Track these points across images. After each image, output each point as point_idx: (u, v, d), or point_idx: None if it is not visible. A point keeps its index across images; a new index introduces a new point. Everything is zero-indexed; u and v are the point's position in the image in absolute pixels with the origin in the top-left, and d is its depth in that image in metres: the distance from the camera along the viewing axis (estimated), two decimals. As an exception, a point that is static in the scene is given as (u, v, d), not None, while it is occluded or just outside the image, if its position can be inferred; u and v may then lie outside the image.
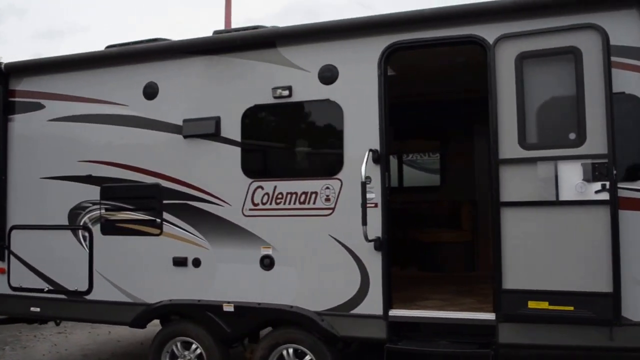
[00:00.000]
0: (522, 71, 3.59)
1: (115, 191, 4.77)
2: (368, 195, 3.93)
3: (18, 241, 5.14)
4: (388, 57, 3.99)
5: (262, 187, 4.28)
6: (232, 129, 4.40)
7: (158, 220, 4.59)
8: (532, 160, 3.53)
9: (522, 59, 3.58)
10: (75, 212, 4.92)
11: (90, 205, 4.86)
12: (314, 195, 4.13)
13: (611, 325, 3.28)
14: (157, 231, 4.60)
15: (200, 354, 4.48)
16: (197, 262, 4.45)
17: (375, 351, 4.13)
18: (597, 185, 3.34)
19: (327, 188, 4.10)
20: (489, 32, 3.73)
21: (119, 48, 4.86)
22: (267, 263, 4.23)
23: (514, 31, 3.63)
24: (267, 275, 4.24)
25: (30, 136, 5.17)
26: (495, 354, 3.60)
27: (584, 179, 3.38)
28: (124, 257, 4.72)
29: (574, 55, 3.46)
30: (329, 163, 4.14)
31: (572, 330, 3.42)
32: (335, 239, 4.06)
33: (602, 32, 3.38)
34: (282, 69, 4.28)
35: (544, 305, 3.42)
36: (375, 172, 3.96)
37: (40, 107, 5.14)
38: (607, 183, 3.31)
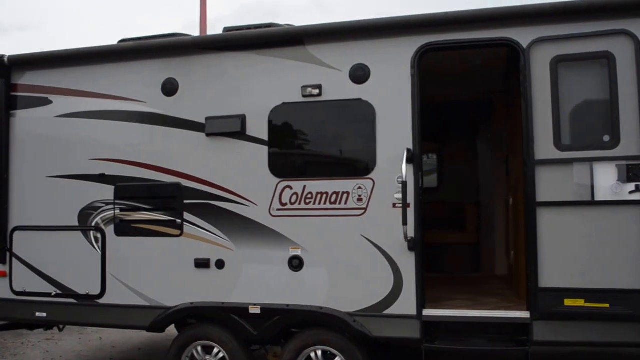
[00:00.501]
0: (557, 74, 3.71)
1: (131, 190, 4.64)
2: (399, 196, 3.97)
3: (22, 243, 4.93)
4: (421, 57, 4.04)
5: (290, 187, 4.26)
6: (258, 127, 4.35)
7: (178, 220, 4.50)
8: (568, 162, 3.65)
9: (558, 63, 3.70)
10: (86, 213, 4.76)
11: (103, 205, 4.72)
12: (345, 195, 4.14)
13: (644, 320, 3.43)
14: (178, 232, 4.50)
15: (223, 358, 4.41)
16: (220, 264, 4.38)
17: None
18: (631, 186, 3.49)
19: (360, 188, 4.11)
20: (523, 36, 3.84)
21: (136, 43, 4.73)
22: (296, 264, 4.21)
23: (549, 35, 3.74)
24: (296, 276, 4.21)
25: (36, 133, 4.98)
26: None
27: (618, 180, 3.52)
28: (141, 259, 4.60)
29: (607, 60, 3.61)
30: (361, 163, 4.15)
31: (607, 327, 3.56)
32: (367, 239, 4.08)
33: (634, 38, 3.54)
34: (311, 67, 4.27)
35: (580, 302, 3.55)
36: (409, 173, 4.01)
37: (46, 102, 4.95)
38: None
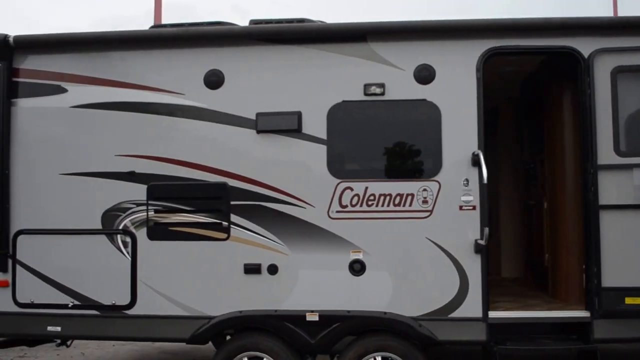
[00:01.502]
0: (617, 84, 3.98)
1: (168, 190, 4.31)
2: (466, 198, 4.07)
3: (28, 248, 4.41)
4: (486, 61, 4.16)
5: (351, 188, 4.19)
6: (315, 125, 4.24)
7: (225, 223, 4.25)
8: (628, 167, 3.93)
9: (618, 73, 3.98)
10: (111, 215, 4.36)
11: (134, 206, 4.34)
12: (410, 197, 4.15)
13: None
14: (224, 235, 4.25)
15: (273, 369, 4.24)
16: (273, 269, 4.21)
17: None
18: (688, 191, 3.84)
19: (425, 190, 4.14)
20: (584, 45, 4.08)
21: (175, 29, 4.40)
22: (357, 268, 4.15)
23: (610, 46, 4.01)
24: (357, 280, 4.15)
25: (45, 124, 4.47)
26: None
27: (677, 185, 3.85)
28: (179, 265, 4.29)
29: (662, 72, 3.94)
30: (426, 165, 4.18)
31: None
32: (432, 241, 4.12)
33: (690, 54, 3.89)
34: (373, 64, 4.23)
35: (638, 300, 3.84)
36: (474, 175, 4.11)
37: (59, 90, 4.46)
38: (696, 189, 3.82)
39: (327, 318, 4.13)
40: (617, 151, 3.97)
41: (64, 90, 4.46)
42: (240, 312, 4.20)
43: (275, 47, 4.32)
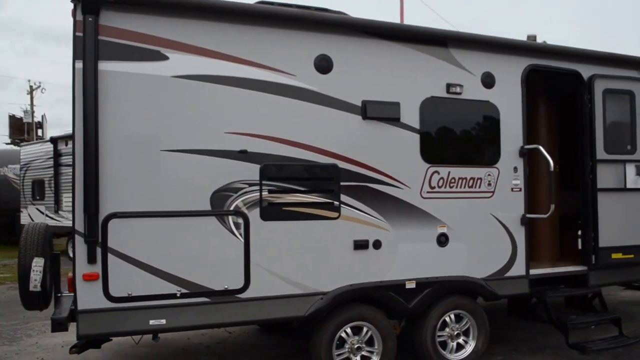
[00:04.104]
0: (606, 101, 5.80)
1: (283, 170, 4.52)
2: (515, 182, 5.40)
3: (123, 234, 4.08)
4: (527, 74, 5.53)
5: (438, 172, 5.09)
6: (411, 115, 5.00)
7: (336, 203, 4.69)
8: (613, 162, 5.78)
9: (606, 93, 5.80)
10: (221, 195, 4.35)
11: (246, 186, 4.43)
12: (479, 181, 5.26)
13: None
14: (335, 214, 4.69)
15: (370, 337, 4.86)
16: (377, 244, 4.83)
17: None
18: (643, 178, 5.87)
19: (489, 175, 5.31)
20: (584, 70, 5.78)
21: (289, 10, 4.59)
22: (442, 240, 5.08)
23: (603, 73, 5.80)
24: (442, 251, 5.08)
25: (141, 94, 4.18)
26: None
27: (636, 174, 5.84)
28: (293, 244, 4.55)
29: (629, 95, 5.90)
30: (490, 154, 5.33)
31: (632, 270, 5.85)
32: (494, 216, 5.31)
33: (645, 84, 5.95)
34: (452, 68, 5.20)
35: (619, 255, 5.72)
36: (520, 163, 5.45)
37: (159, 57, 4.23)
38: (648, 177, 5.88)
39: (421, 285, 4.95)
40: (606, 150, 5.77)
41: (165, 58, 4.24)
42: (351, 285, 4.70)
43: (379, 41, 4.91)
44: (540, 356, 5.64)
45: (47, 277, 4.64)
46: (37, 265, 4.52)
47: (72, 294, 4.75)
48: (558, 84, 6.28)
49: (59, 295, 4.90)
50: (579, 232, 5.82)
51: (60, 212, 13.96)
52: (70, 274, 4.10)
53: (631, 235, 5.81)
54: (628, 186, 5.81)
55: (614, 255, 5.69)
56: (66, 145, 13.36)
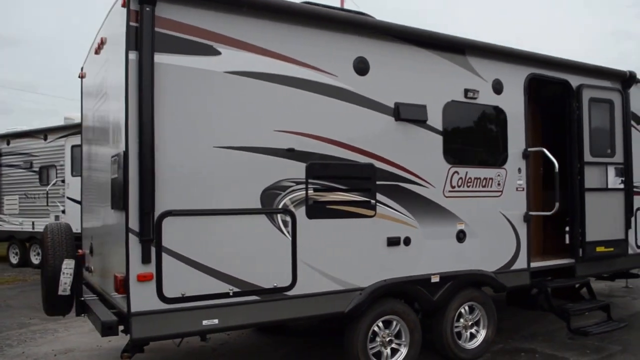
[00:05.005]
0: (591, 109, 6.51)
1: (327, 169, 4.69)
2: (519, 182, 5.94)
3: (176, 233, 4.05)
4: (529, 82, 6.09)
5: (457, 172, 5.49)
6: (435, 118, 5.34)
7: (372, 201, 4.93)
8: (597, 164, 6.50)
9: (591, 102, 6.51)
10: (271, 193, 4.45)
11: (293, 184, 4.55)
12: (490, 181, 5.73)
13: (626, 255, 6.65)
14: (372, 212, 4.93)
15: (399, 330, 5.16)
16: (407, 241, 5.13)
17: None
18: (620, 179, 6.65)
19: (498, 175, 5.79)
20: (573, 80, 6.46)
21: (336, 12, 4.76)
22: (461, 236, 5.49)
23: (589, 83, 6.50)
24: (460, 247, 5.48)
25: (195, 88, 4.17)
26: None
27: (615, 176, 6.62)
28: (335, 241, 4.73)
29: (609, 104, 6.66)
30: (499, 156, 5.81)
31: (611, 262, 6.61)
32: (502, 214, 5.81)
33: (622, 93, 6.73)
34: (468, 74, 5.61)
35: (602, 248, 6.45)
36: (523, 165, 5.99)
37: (212, 51, 4.25)
38: (623, 178, 6.67)
39: (444, 278, 5.32)
40: (591, 153, 6.47)
41: (217, 53, 4.25)
42: (385, 280, 4.97)
43: (409, 46, 5.20)
44: (536, 342, 6.21)
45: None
46: (68, 267, 4.37)
47: (95, 297, 4.65)
48: (542, 90, 6.94)
49: (82, 299, 4.72)
50: (567, 228, 6.47)
51: (0, 215, 12.97)
52: (119, 275, 4.00)
53: (611, 230, 6.56)
54: (609, 186, 6.55)
55: (598, 249, 6.40)
56: (8, 144, 12.40)
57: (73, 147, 13.54)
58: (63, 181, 13.58)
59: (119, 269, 4.07)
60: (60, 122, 14.99)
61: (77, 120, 14.65)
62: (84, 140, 6.36)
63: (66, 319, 7.85)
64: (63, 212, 13.41)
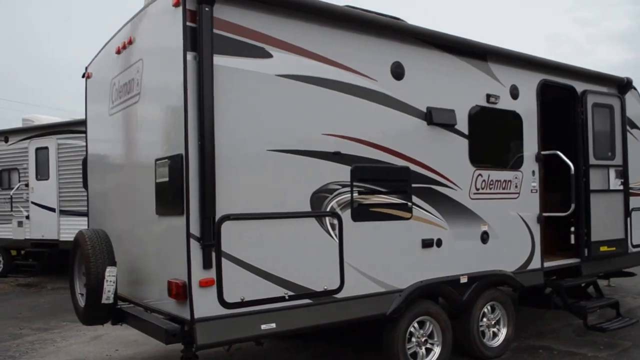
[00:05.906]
0: (594, 114, 6.99)
1: (369, 172, 4.86)
2: (533, 184, 6.33)
3: (235, 237, 4.13)
4: (541, 88, 6.49)
5: (481, 175, 5.79)
6: (461, 122, 5.62)
7: (409, 203, 5.15)
8: (600, 166, 6.98)
9: (594, 107, 7.00)
10: (319, 196, 4.58)
11: (339, 187, 4.70)
12: (509, 183, 6.07)
13: (626, 254, 7.17)
14: (408, 215, 5.14)
15: (431, 331, 5.40)
16: (439, 242, 5.37)
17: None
18: (620, 181, 7.17)
19: (516, 178, 6.14)
20: (578, 86, 6.92)
21: (379, 17, 4.95)
22: (484, 237, 5.79)
23: (592, 89, 6.98)
24: (484, 247, 5.78)
25: (249, 91, 4.25)
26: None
27: (616, 178, 7.13)
28: (376, 244, 4.91)
29: (609, 109, 7.18)
30: (517, 159, 6.16)
31: (613, 260, 7.10)
32: (519, 215, 6.16)
33: (622, 99, 7.26)
34: (490, 79, 5.94)
35: (605, 248, 6.93)
36: (536, 168, 6.38)
37: (264, 54, 4.35)
38: (622, 180, 7.19)
39: (471, 279, 5.60)
40: (595, 156, 6.95)
41: (269, 55, 4.35)
42: (421, 282, 5.19)
43: (438, 52, 5.46)
44: (547, 340, 6.60)
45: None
46: (111, 274, 4.34)
47: (130, 304, 4.63)
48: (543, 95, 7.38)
49: (118, 307, 4.68)
50: (572, 229, 6.91)
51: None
52: (176, 281, 4.02)
53: (613, 230, 7.05)
54: (611, 188, 7.05)
55: (602, 248, 6.87)
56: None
57: (38, 149, 13.10)
58: (27, 185, 13.09)
59: (172, 275, 4.09)
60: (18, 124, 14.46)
61: (38, 121, 14.26)
62: (91, 142, 6.23)
63: (59, 329, 7.66)
64: (27, 217, 12.94)
